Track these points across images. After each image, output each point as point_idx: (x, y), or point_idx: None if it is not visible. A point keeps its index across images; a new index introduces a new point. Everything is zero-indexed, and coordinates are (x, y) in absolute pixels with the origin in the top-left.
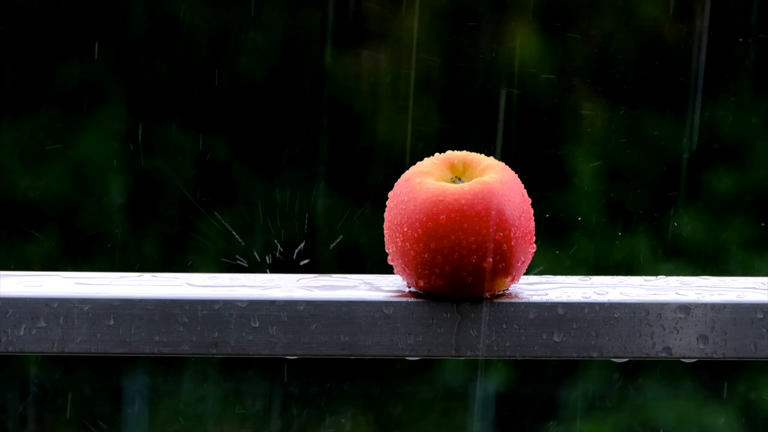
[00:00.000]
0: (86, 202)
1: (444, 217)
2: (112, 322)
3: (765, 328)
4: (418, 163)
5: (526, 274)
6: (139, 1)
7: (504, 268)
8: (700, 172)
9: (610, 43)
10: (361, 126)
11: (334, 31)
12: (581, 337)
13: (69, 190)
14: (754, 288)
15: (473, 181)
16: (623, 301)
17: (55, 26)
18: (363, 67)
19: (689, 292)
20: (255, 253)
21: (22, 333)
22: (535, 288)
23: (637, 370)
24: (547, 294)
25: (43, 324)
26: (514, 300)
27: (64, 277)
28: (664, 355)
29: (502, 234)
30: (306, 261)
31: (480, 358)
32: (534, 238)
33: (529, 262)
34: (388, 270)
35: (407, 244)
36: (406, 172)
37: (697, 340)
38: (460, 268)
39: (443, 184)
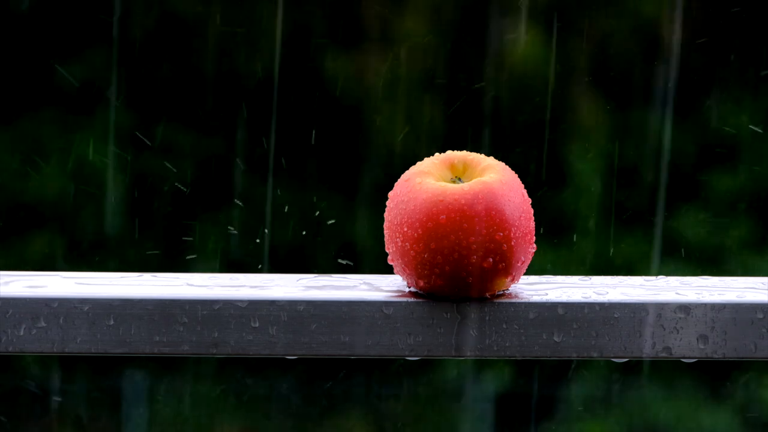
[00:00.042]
0: (86, 202)
1: (444, 217)
2: (112, 322)
3: (765, 328)
4: (418, 163)
5: (526, 274)
6: (140, 0)
7: (504, 268)
8: (700, 172)
9: (611, 43)
10: (361, 126)
11: (334, 30)
12: (581, 337)
13: (69, 190)
14: (754, 288)
15: (473, 181)
16: (623, 301)
17: (54, 26)
18: (363, 67)
19: (689, 292)
20: (255, 253)
21: (22, 333)
22: (535, 288)
23: (637, 370)
24: (547, 294)
25: (43, 324)
26: (514, 300)
27: (64, 277)
28: (664, 355)
29: (502, 234)
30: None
31: (480, 358)
32: (534, 238)
33: (529, 262)
34: (388, 270)
35: (407, 244)
36: (406, 172)
37: (697, 340)
38: (460, 268)
39: (443, 184)
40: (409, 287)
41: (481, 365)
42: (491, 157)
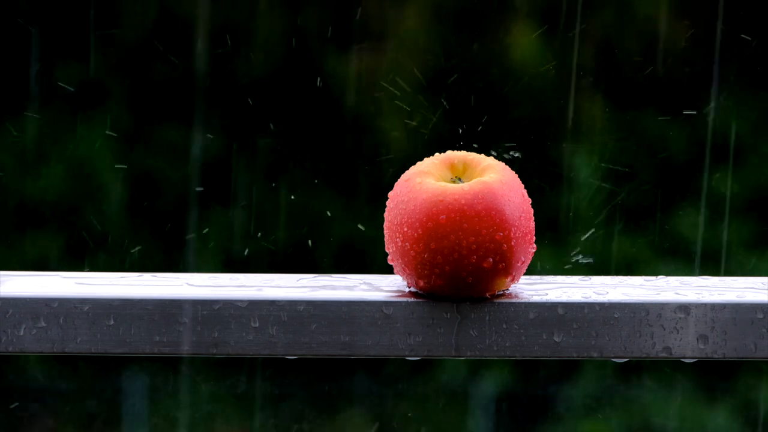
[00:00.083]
0: (86, 202)
1: (444, 217)
2: (112, 322)
3: (765, 328)
4: (418, 163)
5: (526, 274)
6: (140, 0)
7: (504, 268)
8: (700, 172)
9: (611, 43)
10: (361, 125)
11: (334, 30)
12: (581, 337)
13: (69, 190)
14: (754, 288)
15: (473, 181)
16: (623, 301)
17: (54, 25)
18: (363, 67)
19: (689, 292)
20: (255, 253)
21: (22, 333)
22: (535, 288)
23: (637, 370)
24: (547, 294)
25: (43, 324)
26: (514, 300)
27: (64, 277)
28: (664, 355)
29: (502, 234)
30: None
31: (480, 358)
32: (534, 238)
33: (529, 262)
34: (388, 270)
35: (407, 244)
36: (406, 172)
37: (697, 340)
38: (460, 268)
39: (443, 184)
40: (409, 287)
41: (481, 365)
42: (491, 157)
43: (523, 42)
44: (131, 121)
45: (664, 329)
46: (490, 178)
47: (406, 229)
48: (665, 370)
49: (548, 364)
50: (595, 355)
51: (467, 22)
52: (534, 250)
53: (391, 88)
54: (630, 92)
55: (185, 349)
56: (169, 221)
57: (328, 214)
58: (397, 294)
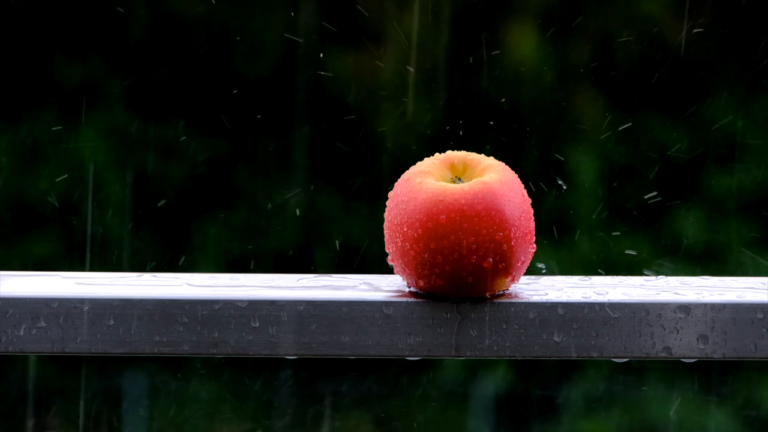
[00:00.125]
0: (86, 202)
1: (444, 217)
2: (112, 322)
3: (765, 328)
4: (418, 163)
5: (526, 274)
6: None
7: (504, 268)
8: (700, 172)
9: (611, 43)
10: (361, 126)
11: (334, 30)
12: (581, 337)
13: (69, 190)
14: (754, 288)
15: (473, 181)
16: (623, 301)
17: (54, 25)
18: (363, 67)
19: (689, 292)
20: (255, 253)
21: (22, 333)
22: (535, 288)
23: (637, 370)
24: (547, 294)
25: (43, 324)
26: (514, 300)
27: (64, 277)
28: (664, 355)
29: (502, 234)
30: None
31: (480, 358)
32: (534, 238)
33: (529, 262)
34: (388, 270)
35: (407, 244)
36: (406, 172)
37: (697, 340)
38: (460, 268)
39: (443, 184)
40: (409, 287)
41: (481, 365)
42: (491, 157)
43: (524, 42)
44: (131, 120)
45: (664, 329)
46: (490, 178)
47: (406, 229)
48: (665, 370)
49: (548, 364)
50: (595, 355)
51: (467, 22)
52: (534, 250)
53: (391, 88)
54: (630, 92)
55: (185, 349)
56: (169, 221)
57: (328, 213)
58: (397, 294)
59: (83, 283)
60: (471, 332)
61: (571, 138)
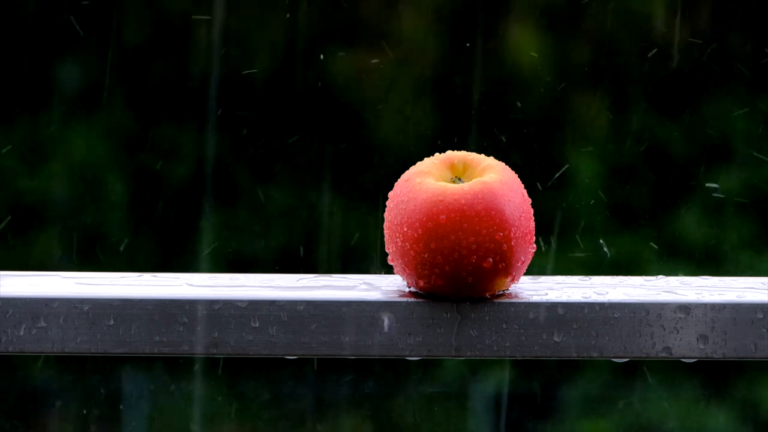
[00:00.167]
0: (86, 202)
1: (444, 217)
2: (112, 322)
3: (765, 328)
4: (418, 163)
5: (526, 274)
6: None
7: (504, 268)
8: (700, 172)
9: (610, 43)
10: (361, 126)
11: (334, 30)
12: (581, 337)
13: (69, 190)
14: (754, 288)
15: (473, 181)
16: (623, 301)
17: (54, 26)
18: (363, 67)
19: (689, 292)
20: (255, 253)
21: (22, 333)
22: (535, 288)
23: (637, 370)
24: (547, 294)
25: (43, 324)
26: (514, 300)
27: (64, 277)
28: (664, 355)
29: (502, 234)
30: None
31: (480, 358)
32: (534, 238)
33: (529, 262)
34: (388, 270)
35: (407, 244)
36: (406, 172)
37: (697, 340)
38: (460, 268)
39: (443, 184)
40: (409, 287)
41: (481, 365)
42: (491, 157)
43: (524, 42)
44: (131, 121)
45: (664, 329)
46: (490, 178)
47: (406, 229)
48: (665, 370)
49: (548, 364)
50: (595, 355)
51: (467, 22)
52: (534, 250)
53: (390, 88)
54: (630, 92)
55: (185, 349)
56: (170, 221)
57: (328, 214)
58: (397, 294)
59: (83, 283)
60: (471, 332)
61: (571, 138)
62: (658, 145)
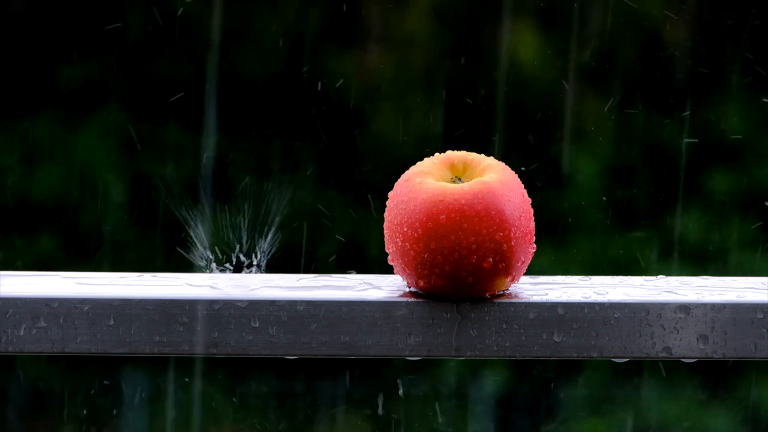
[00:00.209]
0: (86, 202)
1: (444, 217)
2: (112, 322)
3: (765, 328)
4: (418, 163)
5: (526, 274)
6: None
7: (504, 268)
8: (699, 172)
9: (611, 43)
10: (360, 126)
11: (334, 30)
12: (581, 337)
13: (69, 190)
14: (754, 288)
15: (473, 181)
16: (623, 301)
17: (54, 26)
18: (363, 67)
19: (689, 292)
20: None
21: (22, 333)
22: (535, 288)
23: (637, 370)
24: (547, 294)
25: (43, 324)
26: (514, 300)
27: (64, 277)
28: (664, 355)
29: (502, 234)
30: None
31: (480, 358)
32: (534, 238)
33: (529, 262)
34: (388, 270)
35: (407, 244)
36: (406, 172)
37: (697, 340)
38: (460, 268)
39: (443, 184)
40: (409, 287)
41: (481, 365)
42: (491, 157)
43: (524, 42)
44: (131, 121)
45: (664, 329)
46: (490, 178)
47: (406, 229)
48: (665, 370)
49: (548, 364)
50: (595, 355)
51: (467, 22)
52: (534, 250)
53: (390, 88)
54: (630, 92)
55: (185, 349)
56: (169, 221)
57: (328, 214)
58: (397, 294)
59: (83, 283)
60: (471, 332)
61: (571, 138)
62: (658, 145)
